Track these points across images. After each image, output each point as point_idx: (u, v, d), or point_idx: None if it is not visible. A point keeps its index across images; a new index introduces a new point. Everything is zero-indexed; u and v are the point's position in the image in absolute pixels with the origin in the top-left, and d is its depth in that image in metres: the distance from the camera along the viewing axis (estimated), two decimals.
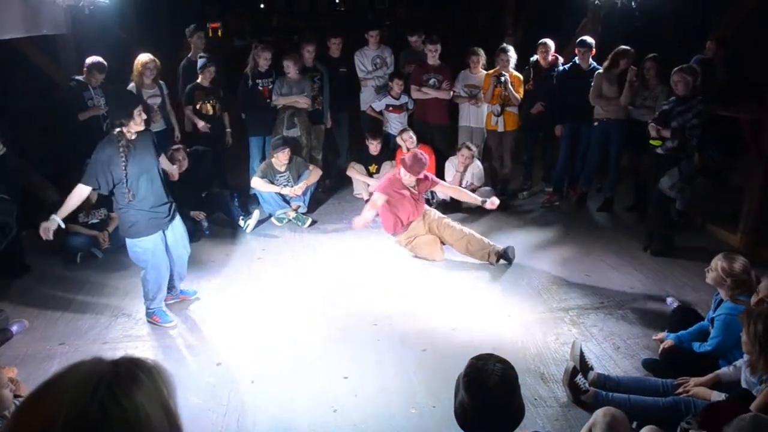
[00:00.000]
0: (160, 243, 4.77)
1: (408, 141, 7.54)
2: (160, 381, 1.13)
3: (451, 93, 7.81)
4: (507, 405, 2.23)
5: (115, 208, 4.72)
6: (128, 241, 4.71)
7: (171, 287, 5.20)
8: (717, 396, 3.54)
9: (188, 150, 6.97)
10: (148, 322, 4.98)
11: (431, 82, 7.75)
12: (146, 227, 4.63)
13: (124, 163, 4.41)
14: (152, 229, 4.67)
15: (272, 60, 7.70)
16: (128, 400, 1.05)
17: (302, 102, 7.53)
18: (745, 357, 3.51)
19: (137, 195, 4.52)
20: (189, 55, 7.87)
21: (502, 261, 6.00)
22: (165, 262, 4.86)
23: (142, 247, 4.68)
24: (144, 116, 4.53)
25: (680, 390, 3.74)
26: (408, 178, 6.17)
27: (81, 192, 4.55)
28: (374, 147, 7.80)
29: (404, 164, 6.15)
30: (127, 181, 4.47)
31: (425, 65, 7.80)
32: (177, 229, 4.93)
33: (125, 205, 4.54)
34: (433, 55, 7.73)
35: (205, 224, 6.85)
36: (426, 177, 6.34)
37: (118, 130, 4.41)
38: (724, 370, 3.76)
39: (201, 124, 7.32)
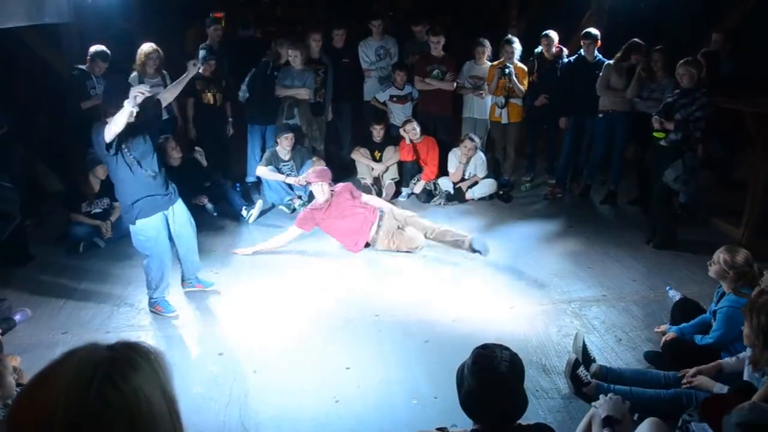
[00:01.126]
0: (162, 230, 4.80)
1: (411, 132, 7.53)
2: (157, 365, 1.13)
3: (455, 84, 7.78)
4: (516, 390, 2.25)
5: (117, 194, 4.73)
6: (132, 228, 4.73)
7: (185, 278, 5.24)
8: (720, 388, 3.54)
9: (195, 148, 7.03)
10: (151, 311, 5.00)
11: (435, 73, 7.72)
12: (148, 208, 4.65)
13: (144, 144, 4.55)
14: (153, 210, 4.69)
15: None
16: (126, 385, 1.05)
17: (303, 93, 7.51)
18: (748, 351, 3.51)
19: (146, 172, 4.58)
20: (206, 43, 7.84)
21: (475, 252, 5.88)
22: (168, 250, 4.88)
23: (145, 234, 4.70)
24: (137, 109, 4.43)
25: (684, 380, 3.74)
26: (322, 196, 6.21)
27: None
28: (377, 133, 7.78)
29: (313, 177, 6.30)
30: (140, 164, 4.54)
31: (429, 56, 7.78)
32: (179, 214, 4.93)
33: (125, 188, 4.58)
34: (436, 46, 7.70)
35: (210, 206, 6.87)
36: (343, 192, 6.36)
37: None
38: (727, 360, 3.76)
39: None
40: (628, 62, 6.86)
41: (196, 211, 6.74)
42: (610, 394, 2.81)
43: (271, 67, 7.59)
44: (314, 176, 6.29)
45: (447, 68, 7.72)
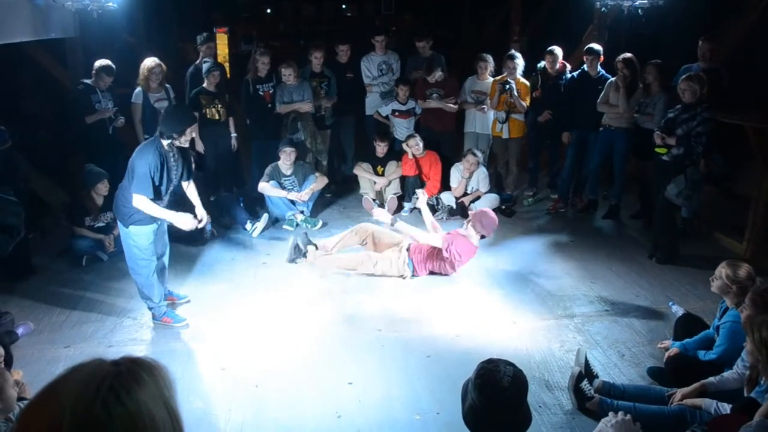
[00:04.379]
0: (153, 238, 4.85)
1: (414, 147, 7.55)
2: (161, 379, 1.14)
3: (456, 107, 7.82)
4: (519, 406, 2.25)
5: (121, 197, 4.75)
6: (126, 232, 4.76)
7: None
8: (708, 403, 3.53)
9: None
10: (157, 323, 5.00)
11: (434, 96, 7.77)
12: (147, 217, 4.71)
13: (176, 172, 4.77)
14: (150, 220, 4.76)
15: (272, 65, 7.71)
16: (131, 399, 1.06)
17: (305, 107, 7.56)
18: (737, 368, 3.53)
19: (163, 196, 4.79)
20: (196, 62, 7.89)
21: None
22: (155, 257, 4.91)
23: (138, 243, 4.75)
24: (192, 136, 4.78)
25: (672, 402, 3.73)
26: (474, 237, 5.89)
27: (145, 200, 4.58)
28: (381, 149, 7.80)
29: (476, 225, 5.85)
30: (173, 186, 4.81)
31: (427, 81, 7.82)
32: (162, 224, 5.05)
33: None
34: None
35: (209, 227, 6.87)
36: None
37: (168, 141, 4.63)
38: (711, 380, 3.73)
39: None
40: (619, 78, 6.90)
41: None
42: (620, 413, 2.79)
43: (251, 83, 7.64)
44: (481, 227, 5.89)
45: (446, 92, 7.76)
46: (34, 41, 6.81)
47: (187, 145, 4.82)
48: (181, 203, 5.23)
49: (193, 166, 6.79)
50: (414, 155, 7.62)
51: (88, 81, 6.83)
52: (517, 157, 7.89)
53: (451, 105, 7.79)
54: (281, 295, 5.59)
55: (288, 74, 7.45)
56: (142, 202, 4.55)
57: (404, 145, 7.67)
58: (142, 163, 4.54)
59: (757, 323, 3.13)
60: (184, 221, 4.74)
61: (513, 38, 10.01)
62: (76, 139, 7.11)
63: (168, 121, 4.66)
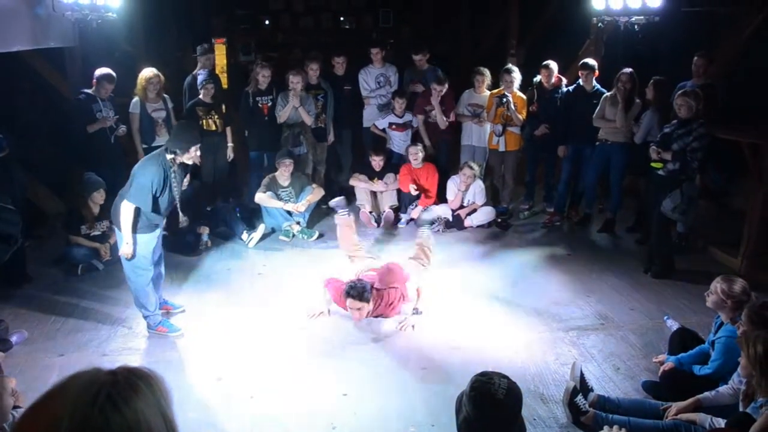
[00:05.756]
0: (152, 245, 4.87)
1: (413, 155, 7.55)
2: (157, 389, 1.15)
3: (447, 122, 7.84)
4: (514, 419, 2.25)
5: (118, 202, 4.75)
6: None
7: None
8: (703, 418, 3.53)
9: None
10: (153, 332, 4.99)
11: (433, 113, 7.80)
12: (147, 226, 4.76)
13: (176, 187, 4.77)
14: (151, 229, 4.81)
15: (271, 77, 7.74)
16: (129, 407, 1.06)
17: (306, 119, 7.58)
18: (732, 383, 3.53)
19: (163, 211, 4.83)
20: (194, 72, 7.91)
21: None
22: (151, 266, 4.92)
23: (136, 251, 4.74)
24: (198, 154, 4.81)
25: (666, 416, 3.73)
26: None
27: (131, 210, 4.63)
28: (377, 163, 7.81)
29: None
30: (170, 202, 4.82)
31: (427, 98, 7.84)
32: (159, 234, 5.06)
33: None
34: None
35: (205, 238, 6.87)
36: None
37: (171, 156, 4.66)
38: (706, 395, 3.75)
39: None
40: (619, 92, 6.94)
41: (192, 236, 6.77)
42: (615, 427, 2.80)
43: (251, 95, 7.66)
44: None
45: (446, 108, 7.78)
46: (33, 50, 6.82)
47: (190, 162, 4.84)
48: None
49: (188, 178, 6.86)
50: (412, 165, 7.63)
51: (88, 90, 6.81)
52: (513, 170, 7.92)
53: (445, 119, 7.81)
54: (277, 305, 5.58)
55: (296, 81, 7.45)
56: (128, 210, 4.60)
57: (406, 150, 7.71)
58: (145, 174, 4.59)
59: (751, 338, 3.14)
60: (126, 249, 4.70)
61: (510, 52, 10.06)
62: (78, 148, 7.09)
63: (175, 137, 4.70)
